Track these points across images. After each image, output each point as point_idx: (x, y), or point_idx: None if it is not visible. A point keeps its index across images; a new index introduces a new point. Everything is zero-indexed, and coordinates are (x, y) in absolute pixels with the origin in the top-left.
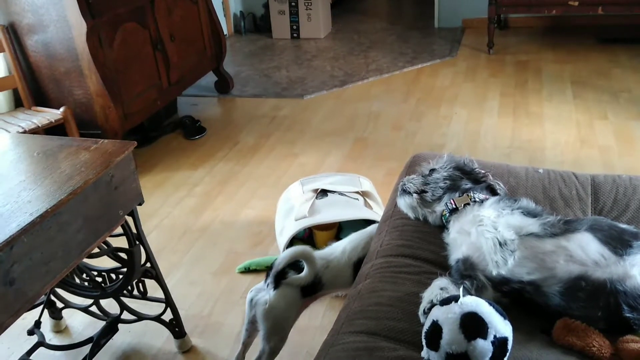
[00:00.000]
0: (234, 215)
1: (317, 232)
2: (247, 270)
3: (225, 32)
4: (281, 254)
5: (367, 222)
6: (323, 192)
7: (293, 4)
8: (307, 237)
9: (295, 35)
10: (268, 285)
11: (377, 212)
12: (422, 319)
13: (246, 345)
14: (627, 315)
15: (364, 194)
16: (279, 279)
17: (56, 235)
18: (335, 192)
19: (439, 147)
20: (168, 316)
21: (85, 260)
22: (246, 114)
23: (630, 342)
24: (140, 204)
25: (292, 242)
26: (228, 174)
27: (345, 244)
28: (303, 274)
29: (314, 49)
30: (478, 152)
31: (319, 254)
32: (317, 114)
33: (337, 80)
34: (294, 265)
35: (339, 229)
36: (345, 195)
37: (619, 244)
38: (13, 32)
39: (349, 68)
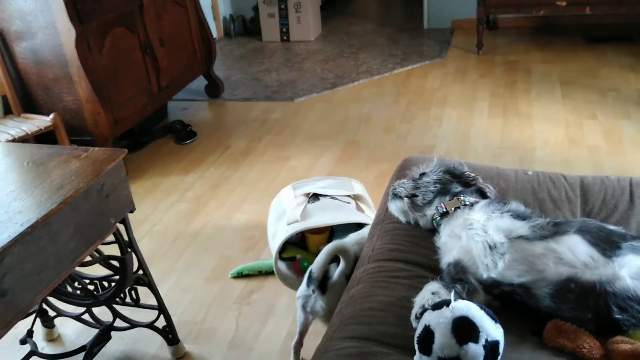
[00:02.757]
0: (225, 220)
1: (310, 235)
2: (240, 275)
3: (215, 35)
4: (316, 260)
5: (360, 226)
6: (315, 196)
7: (282, 6)
8: (299, 240)
9: (285, 37)
10: (314, 291)
11: (368, 215)
12: (414, 324)
13: (302, 333)
14: (617, 316)
15: (355, 197)
16: (324, 284)
17: (47, 245)
18: (327, 196)
19: (429, 148)
20: (161, 323)
21: (77, 268)
22: (237, 118)
23: (620, 343)
24: (131, 212)
25: (285, 246)
26: (219, 178)
27: (365, 231)
28: (341, 267)
29: (304, 52)
30: (468, 153)
31: (352, 239)
32: (308, 117)
33: (327, 83)
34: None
35: (332, 233)
36: (337, 199)
37: (607, 245)
38: (1, 39)
39: (339, 70)
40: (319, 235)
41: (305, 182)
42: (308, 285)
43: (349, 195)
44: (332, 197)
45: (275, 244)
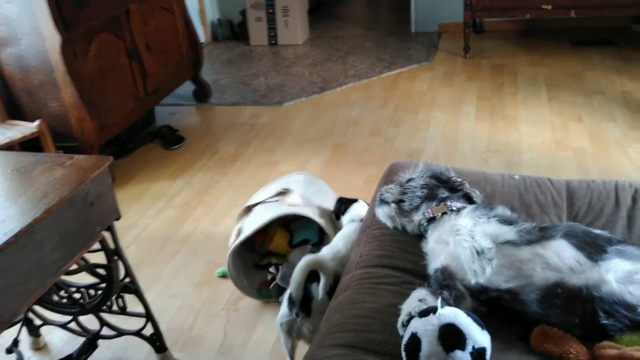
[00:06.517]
0: (214, 225)
1: (270, 244)
2: (225, 275)
3: (202, 39)
4: (292, 282)
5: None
6: (250, 208)
7: (270, 10)
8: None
9: (273, 42)
10: (298, 315)
11: (292, 205)
12: (400, 332)
13: (293, 357)
14: (604, 321)
15: (284, 192)
16: (307, 306)
17: (31, 255)
18: (257, 203)
19: (417, 152)
20: (149, 331)
21: (63, 277)
22: (225, 122)
23: (606, 348)
24: (117, 219)
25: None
26: (207, 183)
27: (338, 242)
28: (322, 283)
29: (292, 56)
30: (456, 156)
31: (328, 254)
32: (296, 121)
33: (315, 87)
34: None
35: (291, 233)
36: (265, 202)
37: (593, 249)
38: None
39: (327, 74)
40: (275, 238)
41: (254, 195)
42: (290, 309)
43: (279, 193)
44: (262, 203)
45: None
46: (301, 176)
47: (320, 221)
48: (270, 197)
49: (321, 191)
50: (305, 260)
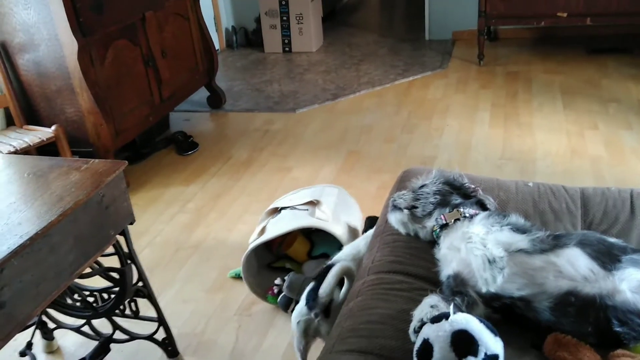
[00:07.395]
0: (227, 230)
1: (289, 250)
2: (238, 277)
3: (217, 46)
4: (324, 285)
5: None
6: (279, 210)
7: (284, 18)
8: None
9: (287, 49)
10: (317, 315)
11: (320, 218)
12: (412, 338)
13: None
14: (617, 329)
15: (315, 203)
16: (327, 307)
17: (47, 257)
18: (286, 207)
19: (430, 159)
20: (161, 335)
21: (77, 280)
22: (239, 129)
23: (620, 356)
24: (131, 223)
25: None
26: (221, 189)
27: (360, 242)
28: (345, 288)
29: (305, 63)
30: (469, 164)
31: (348, 255)
32: (309, 128)
33: (329, 94)
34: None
35: (312, 244)
36: (296, 208)
37: (607, 258)
38: (4, 51)
39: (340, 81)
40: (294, 244)
41: (284, 197)
42: (311, 308)
43: (310, 202)
44: (291, 208)
45: (241, 265)
46: (335, 190)
47: (345, 241)
48: (301, 205)
49: (350, 210)
50: (340, 266)
